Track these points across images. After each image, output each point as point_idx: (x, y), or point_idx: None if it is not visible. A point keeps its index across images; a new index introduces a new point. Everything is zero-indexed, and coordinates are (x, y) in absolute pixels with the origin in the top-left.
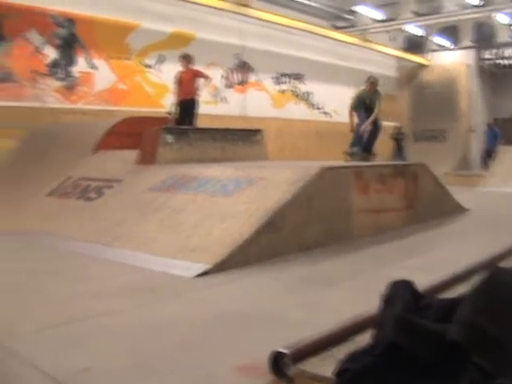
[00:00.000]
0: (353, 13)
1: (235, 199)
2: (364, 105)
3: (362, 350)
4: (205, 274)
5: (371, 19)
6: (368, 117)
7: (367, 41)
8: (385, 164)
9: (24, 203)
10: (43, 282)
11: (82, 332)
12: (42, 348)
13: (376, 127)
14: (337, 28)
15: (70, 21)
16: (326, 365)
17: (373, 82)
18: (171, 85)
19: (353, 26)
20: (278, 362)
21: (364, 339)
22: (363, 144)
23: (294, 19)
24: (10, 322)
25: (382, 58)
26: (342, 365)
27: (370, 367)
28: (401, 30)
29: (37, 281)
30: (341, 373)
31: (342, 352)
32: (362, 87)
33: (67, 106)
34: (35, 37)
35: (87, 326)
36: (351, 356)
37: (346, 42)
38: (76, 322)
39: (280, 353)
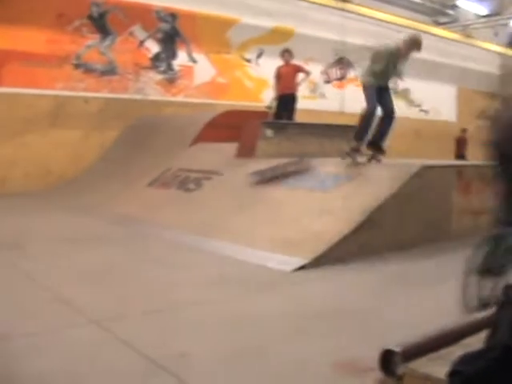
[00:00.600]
0: (455, 7)
1: (334, 195)
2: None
3: (476, 353)
4: (301, 268)
5: (474, 14)
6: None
7: (469, 37)
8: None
9: (126, 192)
10: (145, 269)
11: (180, 319)
12: (142, 332)
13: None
14: (438, 24)
15: (173, 16)
16: (433, 365)
17: (417, 41)
18: (270, 79)
19: (455, 22)
20: (387, 360)
21: (471, 342)
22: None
23: (394, 15)
24: (114, 305)
25: (486, 55)
26: (454, 367)
27: (483, 371)
28: (506, 25)
29: (139, 268)
30: (453, 375)
31: (449, 354)
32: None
33: (168, 98)
34: (139, 31)
35: (186, 314)
36: (464, 358)
37: (447, 38)
38: (175, 309)
39: (389, 351)
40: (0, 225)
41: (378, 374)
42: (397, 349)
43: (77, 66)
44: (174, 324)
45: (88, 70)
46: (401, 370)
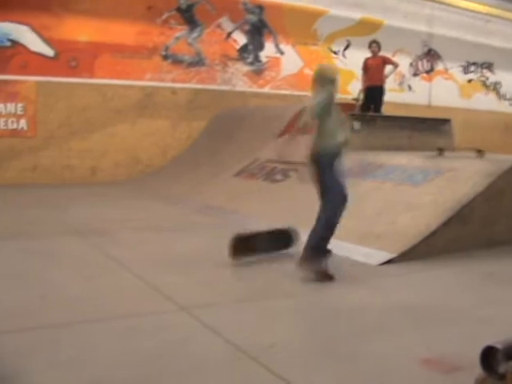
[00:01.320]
0: None
1: (422, 189)
2: None
3: None
4: (387, 262)
5: None
6: None
7: None
8: None
9: (212, 182)
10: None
11: (268, 309)
12: (231, 321)
13: None
14: None
15: (260, 7)
16: None
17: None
18: (357, 71)
19: None
20: (488, 357)
21: None
22: None
23: (483, 4)
24: (202, 293)
25: None
26: None
27: None
28: None
29: (225, 257)
30: None
31: None
32: None
33: (255, 89)
34: (227, 23)
35: (273, 304)
36: None
37: None
38: (262, 298)
39: (491, 348)
40: (90, 212)
41: (476, 372)
42: (498, 346)
43: (165, 58)
44: (262, 314)
45: (176, 61)
46: (503, 368)
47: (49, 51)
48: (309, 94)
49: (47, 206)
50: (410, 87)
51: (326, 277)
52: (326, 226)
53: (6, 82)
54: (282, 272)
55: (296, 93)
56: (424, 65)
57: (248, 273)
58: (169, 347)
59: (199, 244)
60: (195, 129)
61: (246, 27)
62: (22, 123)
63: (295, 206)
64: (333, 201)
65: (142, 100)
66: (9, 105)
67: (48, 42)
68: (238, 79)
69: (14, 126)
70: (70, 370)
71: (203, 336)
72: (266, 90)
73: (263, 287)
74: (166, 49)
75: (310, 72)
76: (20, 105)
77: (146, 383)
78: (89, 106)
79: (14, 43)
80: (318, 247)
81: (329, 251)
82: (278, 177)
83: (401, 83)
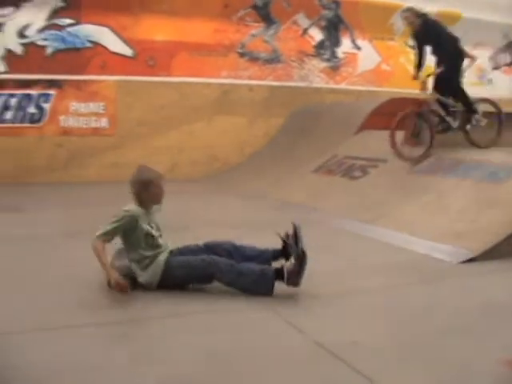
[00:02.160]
0: None
1: (505, 186)
2: None
3: None
4: (469, 261)
5: None
6: None
7: None
8: None
9: (290, 178)
10: (309, 255)
11: (347, 306)
12: (313, 319)
13: None
14: None
15: (336, 3)
16: None
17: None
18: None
19: None
20: None
21: None
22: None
23: None
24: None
25: None
26: None
27: None
28: None
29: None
30: None
31: None
32: None
33: (331, 86)
34: (303, 19)
35: (352, 301)
36: None
37: None
38: (342, 296)
39: None
40: (169, 208)
41: None
42: None
43: (242, 55)
44: (341, 310)
45: (252, 58)
46: None
47: (128, 51)
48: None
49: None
50: (490, 81)
51: None
52: None
53: (86, 82)
54: (359, 269)
55: (372, 88)
56: (505, 58)
57: (324, 270)
58: (250, 343)
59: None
60: (272, 126)
61: (322, 23)
62: (103, 122)
63: (374, 203)
64: None
65: (218, 97)
66: (90, 104)
67: (127, 42)
68: (315, 75)
69: (96, 125)
70: (142, 368)
71: (283, 331)
72: (343, 86)
73: (342, 284)
74: (242, 46)
75: (387, 68)
76: (101, 104)
77: (228, 380)
78: (166, 104)
79: (95, 44)
80: None
81: None
82: (357, 173)
83: (481, 77)
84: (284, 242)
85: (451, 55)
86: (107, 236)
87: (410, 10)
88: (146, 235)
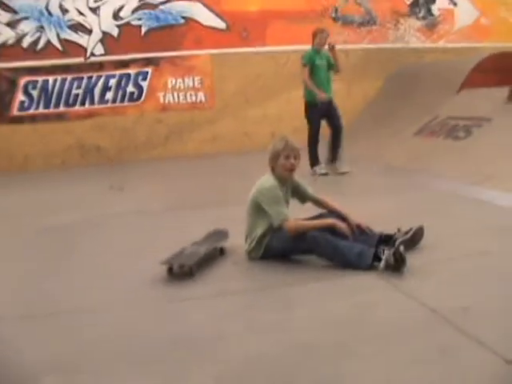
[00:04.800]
0: None
1: None
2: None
3: None
4: None
5: None
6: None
7: None
8: None
9: (392, 142)
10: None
11: (462, 271)
12: (422, 284)
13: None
14: None
15: None
16: None
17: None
18: None
19: None
20: None
21: None
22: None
23: None
24: None
25: None
26: None
27: None
28: None
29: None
30: None
31: None
32: None
33: (428, 45)
34: None
35: (464, 265)
36: None
37: None
38: (448, 260)
39: None
40: None
41: None
42: None
43: (335, 19)
44: (454, 275)
45: (347, 22)
46: None
47: (221, 24)
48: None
49: (232, 174)
50: None
51: None
52: None
53: (182, 57)
54: (471, 232)
55: (472, 45)
56: None
57: (439, 233)
58: (362, 310)
59: (385, 205)
60: (370, 90)
61: None
62: (200, 95)
63: (481, 164)
64: None
65: None
66: (187, 79)
67: (219, 15)
68: (411, 35)
69: (193, 99)
70: (268, 333)
71: (396, 298)
72: (441, 44)
73: (456, 247)
74: (336, 10)
75: (486, 22)
76: (197, 78)
77: (344, 347)
78: (262, 74)
79: (188, 20)
80: None
81: None
82: (460, 134)
83: None
84: (394, 233)
85: None
86: (286, 215)
87: None
88: None
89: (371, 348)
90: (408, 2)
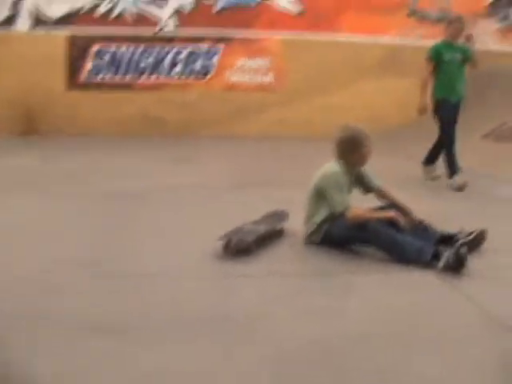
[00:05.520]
0: None
1: None
2: None
3: None
4: None
5: None
6: None
7: None
8: None
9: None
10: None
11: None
12: (484, 288)
13: None
14: None
15: None
16: None
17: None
18: None
19: None
20: None
21: None
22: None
23: None
24: None
25: None
26: None
27: None
28: None
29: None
30: None
31: None
32: None
33: (506, 48)
34: None
35: None
36: None
37: None
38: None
39: None
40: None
41: None
42: None
43: (410, 14)
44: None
45: (422, 17)
46: None
47: (295, 8)
48: None
49: (295, 158)
50: None
51: None
52: None
53: (253, 38)
54: None
55: None
56: None
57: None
58: (419, 307)
59: (451, 207)
60: None
61: None
62: (269, 78)
63: None
64: None
65: (385, 57)
66: (256, 60)
67: None
68: (488, 36)
69: (261, 81)
70: (319, 319)
71: (454, 300)
72: None
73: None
74: (412, 5)
75: None
76: (267, 60)
77: (398, 340)
78: (333, 62)
79: (261, 2)
80: None
81: None
82: None
83: None
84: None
85: None
86: (348, 203)
87: None
88: None
89: (427, 346)
90: (486, 3)
